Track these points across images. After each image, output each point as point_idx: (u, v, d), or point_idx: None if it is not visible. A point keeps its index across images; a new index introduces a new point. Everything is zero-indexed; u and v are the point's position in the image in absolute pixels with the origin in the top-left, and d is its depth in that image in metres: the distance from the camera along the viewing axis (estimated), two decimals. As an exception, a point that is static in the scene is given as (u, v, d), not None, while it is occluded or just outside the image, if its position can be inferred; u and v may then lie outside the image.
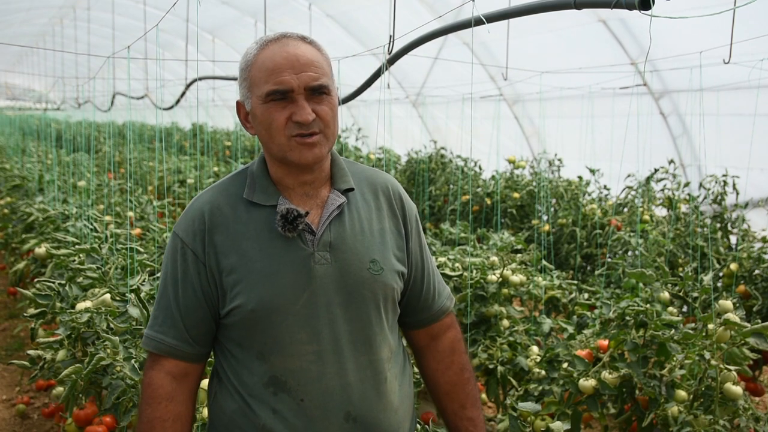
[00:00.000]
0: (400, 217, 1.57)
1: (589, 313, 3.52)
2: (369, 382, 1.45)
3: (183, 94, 6.34)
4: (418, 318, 1.63)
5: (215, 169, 8.51)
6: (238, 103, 1.51)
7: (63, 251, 3.52)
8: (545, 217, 5.88)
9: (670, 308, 3.30)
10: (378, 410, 1.46)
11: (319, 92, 1.41)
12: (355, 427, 1.43)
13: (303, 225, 1.43)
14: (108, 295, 2.75)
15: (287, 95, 1.40)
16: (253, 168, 1.52)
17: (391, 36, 2.84)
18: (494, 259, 3.82)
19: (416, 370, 2.09)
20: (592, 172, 5.97)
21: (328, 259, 1.44)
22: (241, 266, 1.43)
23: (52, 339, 2.70)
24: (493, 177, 6.60)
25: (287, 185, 1.48)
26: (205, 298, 1.46)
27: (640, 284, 3.12)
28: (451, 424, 1.65)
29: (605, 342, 2.79)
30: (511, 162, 6.81)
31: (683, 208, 5.32)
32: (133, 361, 2.37)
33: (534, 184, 6.19)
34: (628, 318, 2.72)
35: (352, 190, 1.51)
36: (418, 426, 2.20)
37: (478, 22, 2.41)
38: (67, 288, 2.95)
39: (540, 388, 2.89)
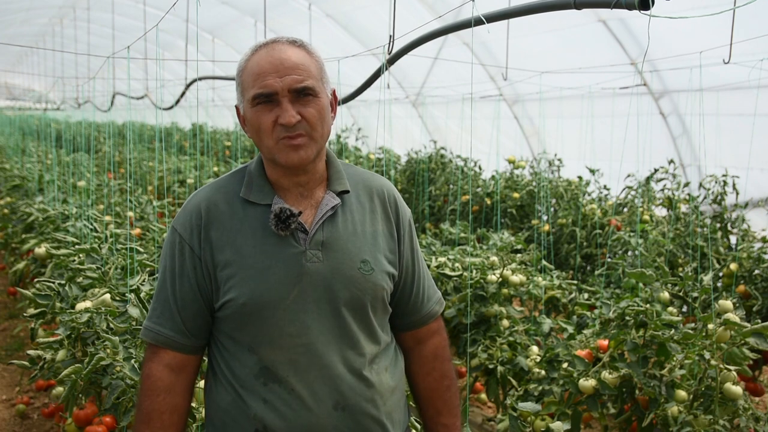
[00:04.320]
0: (393, 221, 1.61)
1: (589, 313, 3.52)
2: (357, 373, 1.49)
3: (183, 94, 6.33)
4: (405, 321, 1.67)
5: (215, 169, 8.51)
6: (236, 106, 1.56)
7: (63, 251, 3.51)
8: (545, 217, 5.88)
9: (670, 308, 3.30)
10: (366, 400, 1.50)
11: (304, 94, 1.45)
12: (344, 416, 1.48)
13: (296, 224, 1.47)
14: (108, 295, 2.75)
15: (272, 98, 1.44)
16: (251, 167, 1.56)
17: (391, 36, 2.84)
18: (494, 259, 3.82)
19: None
20: (592, 172, 5.97)
21: (320, 257, 1.48)
22: (235, 261, 1.47)
23: (52, 339, 2.69)
24: (493, 177, 6.60)
25: (283, 185, 1.53)
26: (200, 291, 1.50)
27: (640, 284, 3.12)
28: (426, 428, 1.71)
29: (605, 342, 2.79)
30: (511, 162, 6.81)
31: (683, 208, 5.31)
32: (133, 361, 2.37)
33: (534, 184, 6.19)
34: (628, 318, 2.72)
35: (347, 192, 1.56)
36: (418, 426, 2.20)
37: (478, 22, 2.41)
38: (67, 288, 2.95)
39: (540, 388, 2.89)
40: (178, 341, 1.51)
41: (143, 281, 2.88)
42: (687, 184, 5.47)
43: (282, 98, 1.44)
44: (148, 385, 1.50)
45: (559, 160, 6.68)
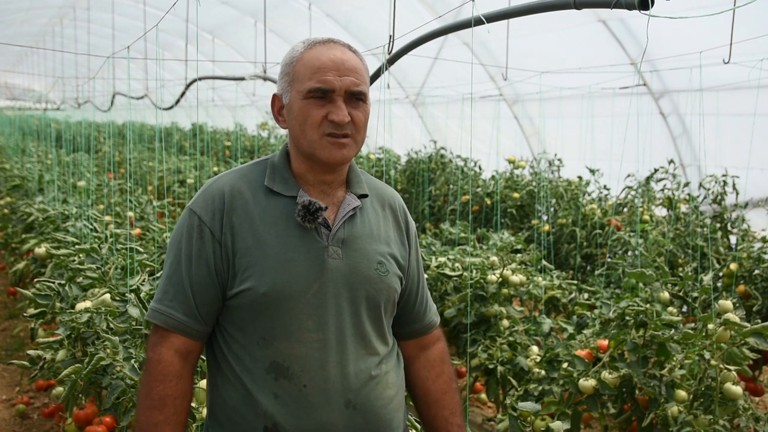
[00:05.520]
0: (404, 230, 1.65)
1: (589, 313, 3.52)
2: (368, 372, 1.51)
3: (183, 94, 6.34)
4: (409, 329, 1.70)
5: (215, 169, 8.52)
6: (274, 95, 1.57)
7: (63, 251, 3.51)
8: (545, 217, 5.88)
9: (670, 308, 3.30)
10: (375, 399, 1.51)
11: (357, 98, 1.50)
12: (355, 414, 1.48)
13: (322, 218, 1.48)
14: (108, 295, 2.75)
15: (327, 95, 1.47)
16: (275, 159, 1.57)
17: (390, 36, 2.84)
18: (494, 259, 3.82)
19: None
20: (592, 172, 5.97)
21: (340, 254, 1.50)
22: (255, 250, 1.47)
23: (52, 339, 2.69)
24: (493, 177, 6.60)
25: (307, 180, 1.54)
26: (218, 276, 1.49)
27: (640, 284, 3.12)
28: (441, 429, 1.70)
29: (605, 342, 2.80)
30: (511, 162, 6.81)
31: (683, 208, 5.32)
32: (132, 361, 2.37)
33: (534, 184, 6.19)
34: (628, 318, 2.73)
35: (366, 196, 1.59)
36: (418, 426, 2.21)
37: (478, 22, 2.41)
38: (67, 288, 2.95)
39: (540, 388, 2.89)
40: (190, 326, 1.48)
41: (143, 281, 2.88)
42: (687, 184, 5.47)
43: (337, 97, 1.47)
44: (160, 370, 1.46)
45: (559, 160, 6.68)
